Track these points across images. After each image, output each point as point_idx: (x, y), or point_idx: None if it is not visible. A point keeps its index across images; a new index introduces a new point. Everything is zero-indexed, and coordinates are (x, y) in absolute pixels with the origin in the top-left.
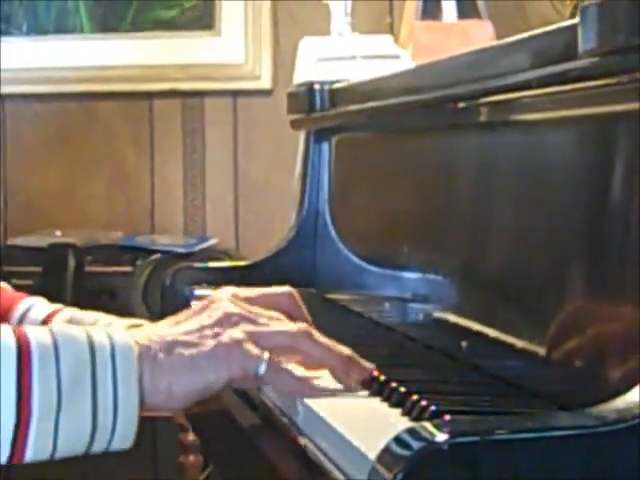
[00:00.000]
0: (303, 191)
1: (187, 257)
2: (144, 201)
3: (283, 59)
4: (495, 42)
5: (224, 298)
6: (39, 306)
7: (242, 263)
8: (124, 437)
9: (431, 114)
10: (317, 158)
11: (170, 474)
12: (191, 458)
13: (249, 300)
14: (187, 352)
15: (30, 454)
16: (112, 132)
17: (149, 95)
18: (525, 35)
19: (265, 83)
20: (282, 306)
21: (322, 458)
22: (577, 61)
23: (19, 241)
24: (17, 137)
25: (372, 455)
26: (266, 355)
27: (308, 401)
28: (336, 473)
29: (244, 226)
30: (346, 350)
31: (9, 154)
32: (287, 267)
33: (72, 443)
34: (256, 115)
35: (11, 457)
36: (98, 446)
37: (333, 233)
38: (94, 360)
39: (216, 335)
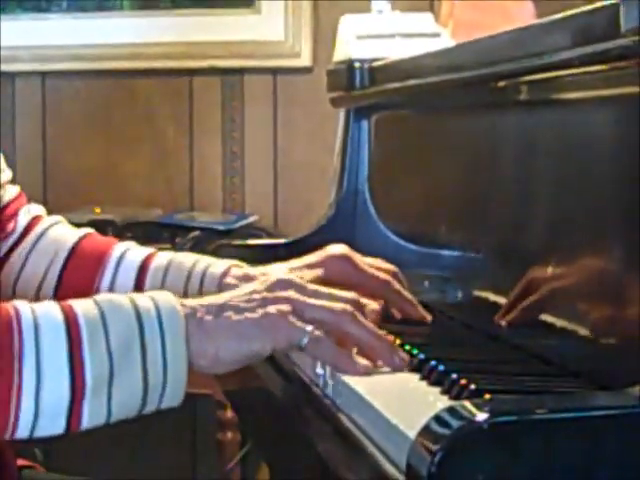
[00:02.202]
0: (342, 169)
1: (226, 234)
2: (183, 178)
3: (323, 36)
4: (536, 20)
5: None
6: (135, 249)
7: (282, 240)
8: (173, 396)
9: (471, 92)
10: (357, 136)
11: (209, 451)
12: (229, 435)
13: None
14: (235, 317)
15: (85, 424)
16: (152, 109)
17: (189, 72)
18: (567, 13)
19: (305, 60)
20: (336, 274)
21: (360, 436)
22: (619, 40)
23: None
24: (57, 114)
25: (411, 434)
26: (309, 327)
27: (347, 378)
28: (374, 451)
29: (283, 204)
30: (387, 337)
31: (49, 131)
32: (326, 244)
33: (125, 408)
34: (296, 92)
35: (67, 428)
36: (149, 407)
37: (372, 211)
38: (141, 325)
39: (264, 301)
